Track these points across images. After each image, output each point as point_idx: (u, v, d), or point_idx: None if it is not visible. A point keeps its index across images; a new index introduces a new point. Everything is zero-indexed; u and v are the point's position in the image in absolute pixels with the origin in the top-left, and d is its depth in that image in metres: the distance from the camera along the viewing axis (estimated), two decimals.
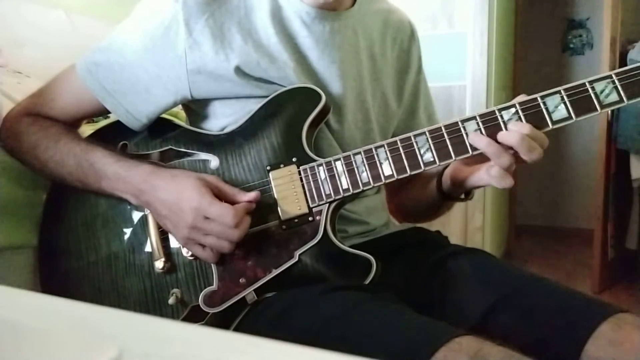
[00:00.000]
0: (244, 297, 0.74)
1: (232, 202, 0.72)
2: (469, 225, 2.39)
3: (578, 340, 0.65)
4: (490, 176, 0.72)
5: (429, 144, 0.72)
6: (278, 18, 0.80)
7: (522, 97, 0.72)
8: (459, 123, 0.72)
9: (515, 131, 0.69)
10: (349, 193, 0.74)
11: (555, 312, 0.70)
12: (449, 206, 0.91)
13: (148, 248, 0.79)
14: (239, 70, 0.76)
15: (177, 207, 0.72)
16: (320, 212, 0.75)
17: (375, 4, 0.91)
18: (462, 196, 0.85)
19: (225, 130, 0.81)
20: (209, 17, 0.76)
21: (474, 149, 0.71)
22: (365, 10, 0.87)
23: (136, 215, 0.81)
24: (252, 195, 0.73)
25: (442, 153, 0.72)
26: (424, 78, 0.99)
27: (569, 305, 0.70)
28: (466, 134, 0.71)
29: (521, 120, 0.70)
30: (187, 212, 0.71)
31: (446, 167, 0.85)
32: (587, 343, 0.64)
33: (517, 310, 0.72)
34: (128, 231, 0.81)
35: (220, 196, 0.72)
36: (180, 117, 0.99)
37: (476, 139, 0.70)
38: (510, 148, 0.69)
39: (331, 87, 0.82)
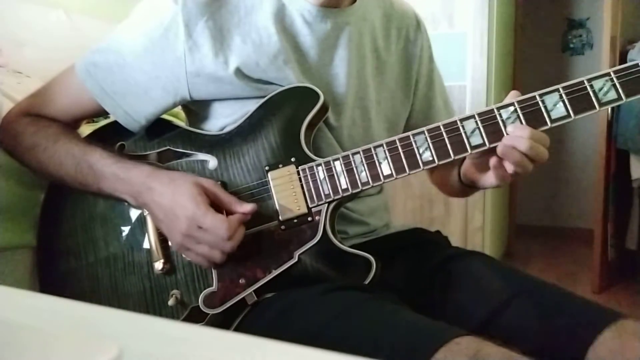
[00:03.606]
0: (243, 297, 0.74)
1: (228, 211, 0.72)
2: (469, 226, 2.39)
3: (580, 348, 0.65)
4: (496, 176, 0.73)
5: (428, 143, 0.72)
6: (280, 17, 0.79)
7: (515, 94, 0.72)
8: (458, 122, 0.72)
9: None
10: (348, 193, 0.74)
11: (557, 318, 0.70)
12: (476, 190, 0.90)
13: (147, 249, 0.79)
14: (238, 72, 0.76)
15: (172, 214, 0.71)
16: (319, 212, 0.75)
17: None
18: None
19: (224, 131, 0.81)
20: (209, 18, 0.76)
21: (472, 147, 0.71)
22: (367, 5, 0.87)
23: (135, 216, 0.81)
24: (248, 207, 0.72)
25: (441, 152, 0.72)
26: (436, 67, 0.99)
27: (570, 312, 0.70)
28: (465, 132, 0.71)
29: (520, 119, 0.70)
30: (182, 220, 0.70)
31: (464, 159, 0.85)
32: (588, 351, 0.64)
33: (518, 315, 0.72)
34: (127, 232, 0.81)
35: (216, 204, 0.72)
36: (180, 118, 0.99)
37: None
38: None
39: (331, 86, 0.82)
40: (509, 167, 0.70)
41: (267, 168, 0.76)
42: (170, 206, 0.72)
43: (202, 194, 0.71)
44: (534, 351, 0.66)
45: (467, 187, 0.86)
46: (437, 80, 0.99)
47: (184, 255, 0.76)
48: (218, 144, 0.80)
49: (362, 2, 0.85)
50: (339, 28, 0.82)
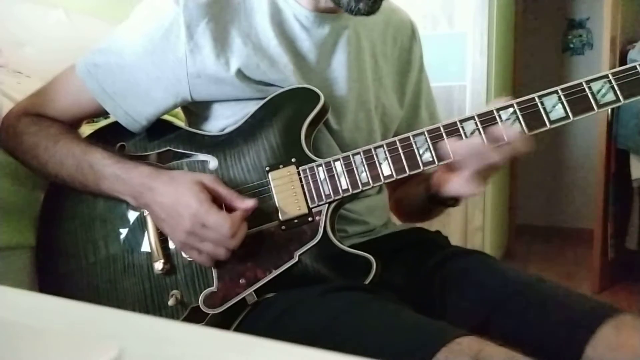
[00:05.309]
0: (244, 297, 0.74)
1: (229, 206, 0.72)
2: (469, 225, 2.39)
3: (578, 343, 0.65)
4: (459, 185, 0.73)
5: (428, 144, 0.72)
6: (277, 21, 0.80)
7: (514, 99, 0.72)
8: (458, 123, 0.72)
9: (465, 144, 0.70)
10: (349, 193, 0.74)
11: (555, 315, 0.70)
12: (441, 209, 0.90)
13: (147, 249, 0.79)
14: (239, 73, 0.76)
15: (175, 212, 0.71)
16: (319, 213, 0.75)
17: None
18: (450, 202, 0.85)
19: (225, 132, 0.81)
20: (210, 20, 0.76)
21: None
22: None
23: (135, 216, 0.81)
24: (250, 203, 0.72)
25: (441, 153, 0.72)
26: (425, 76, 0.99)
27: (569, 308, 0.70)
28: (465, 133, 0.72)
29: (519, 120, 0.70)
30: (185, 218, 0.70)
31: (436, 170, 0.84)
32: (587, 346, 0.64)
33: (517, 313, 0.72)
34: (127, 232, 0.81)
35: (218, 199, 0.72)
36: (180, 118, 0.99)
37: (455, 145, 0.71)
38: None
39: (331, 89, 0.82)
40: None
41: (267, 168, 0.76)
42: (172, 205, 0.72)
43: (203, 191, 0.71)
44: (533, 347, 0.67)
45: (433, 203, 0.86)
46: (425, 90, 0.99)
47: (186, 255, 0.76)
48: (218, 144, 0.80)
49: None
50: (338, 32, 0.82)
